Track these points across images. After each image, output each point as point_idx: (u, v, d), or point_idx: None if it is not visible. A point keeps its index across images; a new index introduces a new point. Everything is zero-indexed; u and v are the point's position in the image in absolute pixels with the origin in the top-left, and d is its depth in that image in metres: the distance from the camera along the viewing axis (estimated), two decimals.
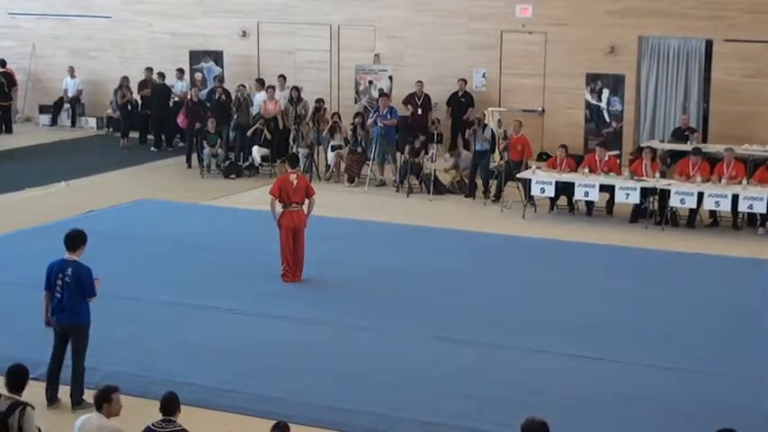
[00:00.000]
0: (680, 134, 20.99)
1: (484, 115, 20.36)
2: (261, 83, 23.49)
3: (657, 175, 18.06)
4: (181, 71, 24.88)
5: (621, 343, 12.21)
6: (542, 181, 18.28)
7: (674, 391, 10.89)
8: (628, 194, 17.79)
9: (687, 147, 19.81)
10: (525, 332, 12.54)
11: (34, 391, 8.47)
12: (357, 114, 21.89)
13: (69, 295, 10.14)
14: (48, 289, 10.28)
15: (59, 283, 10.16)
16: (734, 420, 10.08)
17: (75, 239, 10.31)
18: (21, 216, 17.81)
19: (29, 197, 19.54)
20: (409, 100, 23.15)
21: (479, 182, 19.89)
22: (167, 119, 24.08)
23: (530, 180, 18.38)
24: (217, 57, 25.53)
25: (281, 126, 22.62)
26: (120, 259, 15.08)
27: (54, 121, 27.19)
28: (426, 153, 20.45)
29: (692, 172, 17.99)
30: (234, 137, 22.56)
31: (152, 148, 24.42)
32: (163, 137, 24.59)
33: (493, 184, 19.78)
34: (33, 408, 7.99)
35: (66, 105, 27.05)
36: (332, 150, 21.48)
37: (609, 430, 9.90)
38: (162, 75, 24.59)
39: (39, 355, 10.41)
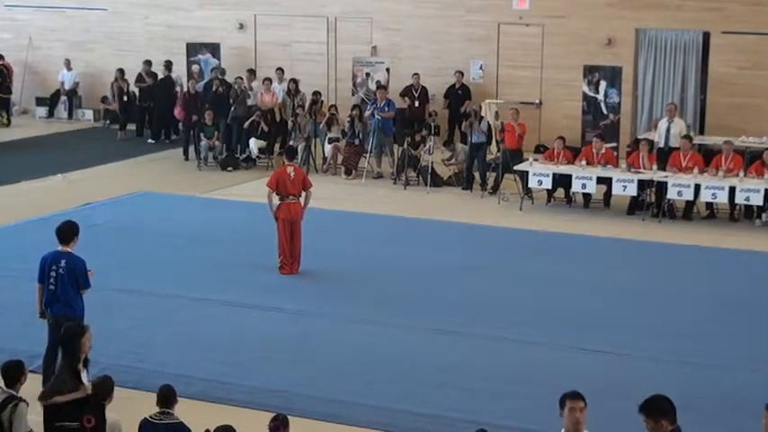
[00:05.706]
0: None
1: (480, 107, 20.34)
2: (252, 73, 23.50)
3: (654, 167, 18.05)
4: (169, 62, 24.73)
5: (620, 335, 12.20)
6: (540, 173, 18.28)
7: (672, 382, 10.82)
8: (625, 186, 17.79)
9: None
10: (523, 324, 12.54)
11: (31, 384, 8.43)
12: (354, 107, 21.85)
13: (63, 287, 10.09)
14: (41, 281, 10.22)
15: (53, 275, 10.11)
16: (733, 411, 10.14)
17: (68, 231, 10.26)
18: (17, 208, 17.77)
19: (26, 189, 19.51)
20: (406, 92, 23.13)
21: (476, 174, 19.88)
22: (171, 111, 24.00)
23: (527, 172, 18.38)
24: (214, 49, 25.49)
25: (278, 118, 22.58)
26: (116, 251, 15.08)
27: (51, 114, 27.17)
28: (424, 145, 20.43)
29: (683, 161, 17.97)
30: (231, 129, 22.51)
31: (149, 141, 24.39)
32: (162, 130, 24.53)
33: (490, 176, 19.78)
34: (27, 404, 7.85)
35: (63, 98, 27.02)
36: (329, 143, 21.45)
37: (608, 422, 9.86)
38: (168, 66, 24.53)
39: (36, 348, 10.39)
